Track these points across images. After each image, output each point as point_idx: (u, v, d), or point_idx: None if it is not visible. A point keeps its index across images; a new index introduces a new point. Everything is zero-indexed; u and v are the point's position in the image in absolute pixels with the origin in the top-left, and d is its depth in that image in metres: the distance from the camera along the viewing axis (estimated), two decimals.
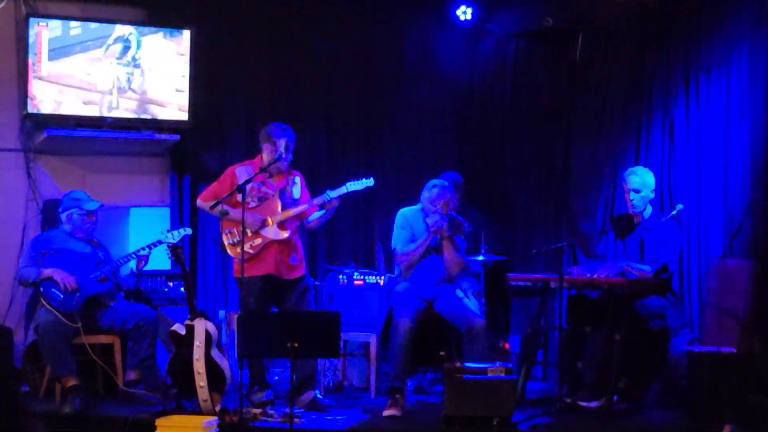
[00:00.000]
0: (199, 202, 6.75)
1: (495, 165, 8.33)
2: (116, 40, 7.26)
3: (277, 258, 6.43)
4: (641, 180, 6.63)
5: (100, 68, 7.23)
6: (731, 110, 6.84)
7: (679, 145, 7.17)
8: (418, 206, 6.77)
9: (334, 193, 6.42)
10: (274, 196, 6.51)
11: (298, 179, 6.64)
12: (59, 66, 7.11)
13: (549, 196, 8.08)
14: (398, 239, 6.76)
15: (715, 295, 6.57)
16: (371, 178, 6.48)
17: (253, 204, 6.47)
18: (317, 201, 6.48)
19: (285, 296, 6.49)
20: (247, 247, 6.37)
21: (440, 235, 6.57)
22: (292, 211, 6.47)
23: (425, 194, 6.68)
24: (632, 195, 6.62)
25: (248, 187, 6.37)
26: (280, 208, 6.48)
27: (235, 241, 6.43)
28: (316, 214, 6.58)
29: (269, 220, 6.44)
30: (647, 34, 7.44)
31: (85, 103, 7.22)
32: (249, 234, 6.40)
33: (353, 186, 6.44)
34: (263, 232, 6.44)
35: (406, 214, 6.80)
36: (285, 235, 6.42)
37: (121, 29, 7.28)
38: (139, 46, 7.32)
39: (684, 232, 6.97)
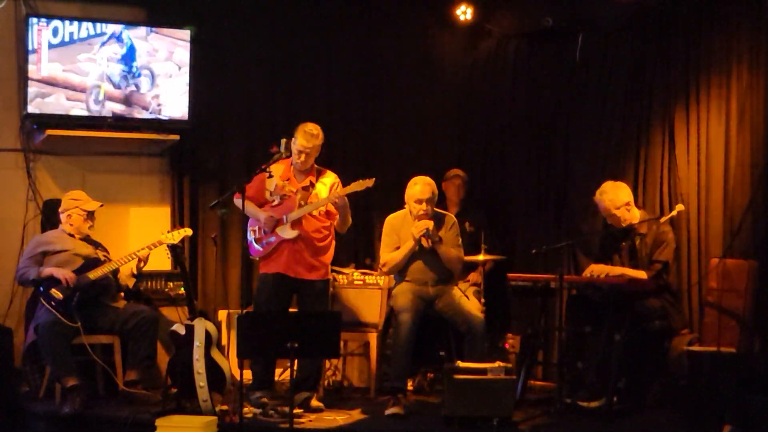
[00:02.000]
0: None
1: (495, 165, 8.33)
2: (114, 39, 7.27)
3: (289, 257, 6.41)
4: (610, 201, 6.60)
5: (100, 68, 7.24)
6: (731, 110, 6.84)
7: (679, 145, 7.16)
8: (404, 211, 6.73)
9: (334, 194, 6.40)
10: (294, 194, 6.50)
11: (328, 181, 6.56)
12: (59, 66, 7.11)
13: (549, 196, 8.07)
14: (384, 246, 6.76)
15: (715, 295, 6.57)
16: (372, 179, 6.44)
17: (276, 202, 6.49)
18: (319, 202, 6.45)
19: (302, 296, 6.49)
20: (263, 245, 6.43)
21: (426, 244, 6.53)
22: (302, 210, 6.44)
23: (408, 192, 6.64)
24: (609, 219, 6.63)
25: (273, 185, 6.44)
26: (296, 207, 6.48)
27: (255, 238, 6.49)
28: (337, 217, 6.54)
29: (284, 219, 6.44)
30: (647, 34, 7.43)
31: (84, 102, 7.21)
32: (267, 232, 6.43)
33: (355, 187, 6.40)
34: (279, 231, 6.44)
35: (391, 220, 6.78)
36: (294, 234, 6.41)
37: (120, 28, 7.28)
38: (135, 47, 7.32)
39: (684, 232, 6.97)
